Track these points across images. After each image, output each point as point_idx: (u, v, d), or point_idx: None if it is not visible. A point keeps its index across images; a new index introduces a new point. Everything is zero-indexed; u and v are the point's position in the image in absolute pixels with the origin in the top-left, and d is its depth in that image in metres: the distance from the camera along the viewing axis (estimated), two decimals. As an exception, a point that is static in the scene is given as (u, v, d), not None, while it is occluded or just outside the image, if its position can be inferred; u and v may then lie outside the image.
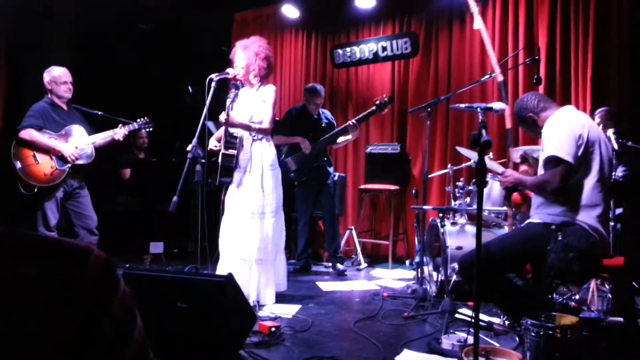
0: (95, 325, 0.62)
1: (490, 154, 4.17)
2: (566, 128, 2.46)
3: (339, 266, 4.87)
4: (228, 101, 3.56)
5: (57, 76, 3.99)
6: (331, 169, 5.02)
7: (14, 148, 3.86)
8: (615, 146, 3.06)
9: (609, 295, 3.03)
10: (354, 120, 4.66)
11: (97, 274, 0.64)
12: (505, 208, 3.60)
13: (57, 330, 0.60)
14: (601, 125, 3.45)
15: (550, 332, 2.06)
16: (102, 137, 4.09)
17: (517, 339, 2.66)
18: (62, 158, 3.89)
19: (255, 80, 3.68)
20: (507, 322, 2.90)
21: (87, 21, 5.72)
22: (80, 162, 3.96)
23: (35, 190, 3.83)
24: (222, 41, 6.49)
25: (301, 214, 4.99)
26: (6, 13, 5.18)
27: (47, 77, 4.00)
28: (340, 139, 4.80)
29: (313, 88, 4.93)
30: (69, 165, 3.91)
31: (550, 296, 2.65)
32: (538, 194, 2.59)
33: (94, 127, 4.19)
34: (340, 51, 6.20)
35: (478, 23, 3.35)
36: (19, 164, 3.83)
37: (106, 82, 5.68)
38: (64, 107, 4.07)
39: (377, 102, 4.58)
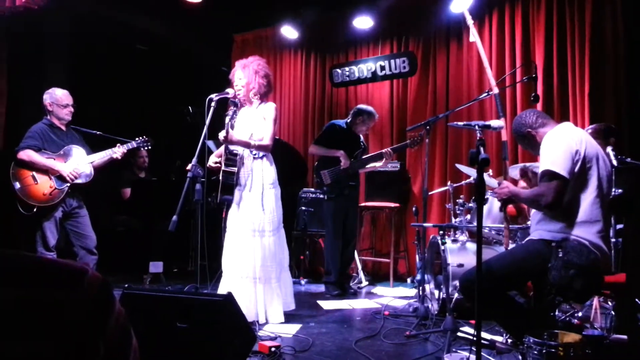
0: (90, 346, 0.61)
1: (490, 170, 4.18)
2: (563, 143, 2.46)
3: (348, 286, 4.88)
4: (227, 119, 3.58)
5: (60, 98, 4.02)
6: (358, 191, 4.98)
7: (12, 169, 3.87)
8: (615, 163, 3.07)
9: (612, 313, 3.00)
10: (390, 149, 4.69)
11: (92, 295, 0.64)
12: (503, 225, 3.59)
13: (52, 351, 0.59)
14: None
15: (553, 350, 2.04)
16: (100, 157, 4.10)
17: (520, 357, 2.62)
18: (60, 177, 3.90)
19: (255, 99, 3.71)
20: (509, 341, 2.87)
21: (86, 42, 5.79)
22: (79, 181, 3.97)
23: (35, 210, 3.83)
24: (222, 62, 6.55)
25: (332, 232, 4.75)
26: (6, 35, 5.25)
27: (48, 98, 4.03)
28: (370, 165, 4.79)
29: (372, 112, 4.88)
30: (68, 184, 3.92)
31: (552, 314, 2.63)
32: (532, 207, 2.59)
33: (92, 147, 4.20)
34: (339, 71, 6.26)
35: (473, 36, 3.38)
36: (17, 185, 3.84)
37: (106, 103, 5.72)
38: (63, 128, 4.09)
39: (412, 138, 4.59)
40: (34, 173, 3.86)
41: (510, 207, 2.90)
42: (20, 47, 5.38)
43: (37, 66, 5.48)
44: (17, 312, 0.59)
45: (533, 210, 2.67)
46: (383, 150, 4.70)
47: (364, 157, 4.77)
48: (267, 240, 3.54)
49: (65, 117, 4.04)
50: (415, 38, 5.80)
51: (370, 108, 4.94)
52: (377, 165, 4.80)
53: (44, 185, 3.87)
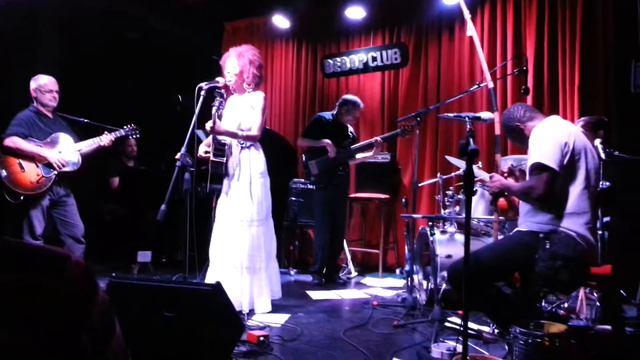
0: (72, 333, 0.60)
1: (480, 163, 4.19)
2: (552, 136, 2.48)
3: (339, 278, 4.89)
4: (213, 109, 3.54)
5: (43, 84, 3.97)
6: (348, 181, 4.95)
7: (-1, 156, 3.82)
8: (603, 156, 3.09)
9: (598, 304, 3.04)
10: (379, 138, 4.65)
11: (75, 282, 0.63)
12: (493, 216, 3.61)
13: (32, 339, 0.58)
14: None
15: (539, 340, 2.06)
16: (88, 145, 4.06)
17: (506, 347, 2.65)
18: (48, 165, 3.85)
19: (247, 88, 3.67)
20: (496, 331, 2.90)
21: (74, 30, 5.70)
22: (67, 169, 3.92)
23: (22, 198, 3.79)
24: (213, 50, 6.49)
25: (321, 222, 4.76)
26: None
27: (33, 85, 3.98)
28: (359, 155, 4.77)
29: (356, 101, 4.86)
30: (55, 172, 3.87)
31: (539, 304, 2.66)
32: (523, 200, 2.61)
33: (80, 135, 4.15)
34: (330, 61, 6.23)
35: (471, 30, 3.37)
36: (4, 172, 3.78)
37: (96, 91, 5.65)
38: (50, 115, 4.03)
39: (403, 127, 4.49)
40: (21, 161, 3.81)
41: (501, 200, 2.92)
42: (10, 35, 5.28)
43: (26, 54, 5.39)
44: (-4, 298, 0.58)
45: (521, 202, 2.69)
46: (372, 139, 4.69)
47: (352, 146, 4.75)
48: (255, 230, 3.53)
49: (49, 103, 3.98)
50: (407, 29, 5.78)
51: (354, 98, 4.92)
52: (368, 155, 4.78)
53: (31, 173, 3.82)
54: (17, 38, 5.35)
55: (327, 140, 4.63)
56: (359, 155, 4.80)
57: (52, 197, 3.93)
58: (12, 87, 5.22)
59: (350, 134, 4.91)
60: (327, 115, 4.95)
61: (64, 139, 4.00)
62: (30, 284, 0.60)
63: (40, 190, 3.84)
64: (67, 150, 3.96)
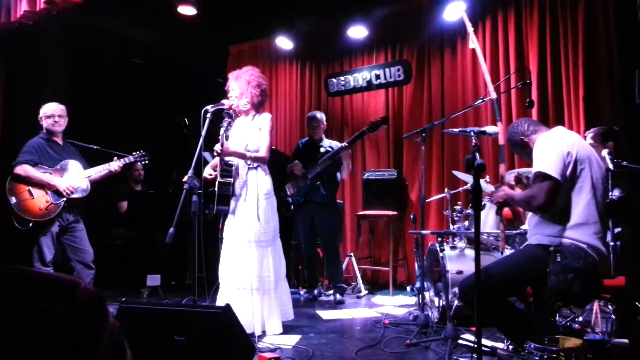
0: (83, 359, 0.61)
1: (487, 177, 4.17)
2: (554, 146, 2.48)
3: (338, 296, 4.83)
4: (222, 130, 3.57)
5: (48, 110, 4.04)
6: (328, 194, 4.88)
7: (8, 183, 3.86)
8: (610, 166, 3.07)
9: (613, 317, 2.99)
10: (345, 143, 4.73)
11: (85, 308, 0.63)
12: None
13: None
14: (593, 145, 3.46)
15: (554, 355, 2.03)
16: (98, 171, 4.09)
17: (522, 363, 2.61)
18: (57, 192, 3.88)
19: (247, 107, 3.70)
20: (510, 347, 2.85)
21: (83, 56, 5.80)
22: (75, 195, 3.95)
23: (30, 225, 3.82)
24: (218, 73, 6.57)
25: (301, 238, 5.02)
26: (3, 50, 5.26)
27: (40, 112, 4.05)
28: (326, 163, 4.76)
29: (310, 115, 5.11)
30: (64, 199, 3.90)
31: (552, 319, 2.62)
32: (525, 209, 2.60)
33: (90, 161, 4.19)
34: (334, 80, 6.28)
35: (473, 42, 3.40)
36: (13, 199, 3.82)
37: (103, 116, 5.73)
38: (60, 141, 4.08)
39: (370, 122, 4.66)
40: (30, 188, 3.85)
41: (506, 210, 2.91)
42: (17, 62, 5.39)
43: (34, 81, 5.49)
44: (8, 326, 0.58)
45: (530, 214, 2.67)
46: (340, 145, 4.74)
47: (321, 158, 4.77)
48: (264, 251, 3.52)
49: (51, 129, 4.02)
50: (409, 46, 5.83)
51: (311, 113, 5.17)
52: (345, 164, 4.83)
53: (40, 200, 3.85)
54: (24, 64, 5.45)
55: (295, 161, 4.86)
56: (343, 167, 4.89)
57: (61, 223, 3.96)
58: (20, 113, 5.31)
59: (324, 148, 4.91)
60: (304, 140, 5.23)
61: (73, 166, 4.04)
62: (41, 311, 0.60)
63: (49, 217, 3.86)
64: (76, 177, 4.00)
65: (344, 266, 5.43)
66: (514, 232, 3.38)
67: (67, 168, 4.01)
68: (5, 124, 5.30)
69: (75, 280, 0.65)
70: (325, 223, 4.86)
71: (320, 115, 5.07)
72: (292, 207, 4.95)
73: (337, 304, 4.72)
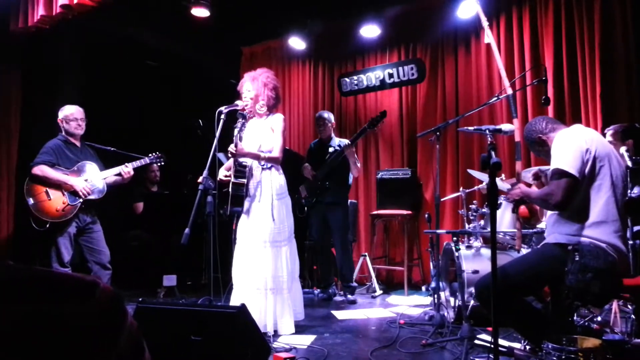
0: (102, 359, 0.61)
1: (503, 175, 4.13)
2: (572, 143, 2.45)
3: (349, 296, 4.82)
4: (235, 131, 3.59)
5: (68, 114, 4.10)
6: (337, 193, 4.88)
7: (26, 185, 3.92)
8: (629, 163, 3.02)
9: (632, 316, 2.94)
10: (347, 141, 4.73)
11: (104, 308, 0.64)
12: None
13: (63, 366, 0.59)
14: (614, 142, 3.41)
15: (573, 355, 2.00)
16: (113, 172, 4.14)
17: (539, 364, 2.58)
18: (74, 193, 3.93)
19: (263, 110, 3.72)
20: (527, 347, 2.82)
21: (98, 59, 5.87)
22: (92, 197, 4.00)
23: (47, 225, 3.87)
24: (231, 74, 6.60)
25: (315, 238, 5.05)
26: (21, 54, 5.34)
27: (60, 115, 4.10)
28: (334, 163, 4.77)
29: (317, 116, 5.14)
30: (81, 200, 3.95)
31: (571, 318, 2.58)
32: (542, 207, 2.57)
33: (106, 163, 4.24)
34: (347, 80, 6.27)
35: (488, 37, 3.36)
36: (31, 200, 3.88)
37: (118, 118, 5.78)
38: (77, 143, 4.14)
39: (370, 119, 4.68)
40: (47, 189, 3.90)
41: (523, 209, 2.87)
42: (34, 65, 5.47)
43: (50, 83, 5.57)
44: (27, 327, 0.59)
45: (548, 212, 2.64)
46: (343, 143, 4.75)
47: (328, 159, 4.78)
48: (279, 251, 3.53)
49: (74, 132, 4.09)
50: (422, 45, 5.80)
51: (318, 113, 5.21)
52: (348, 158, 4.75)
53: (57, 201, 3.90)
54: (40, 68, 5.53)
55: (304, 165, 4.92)
56: (352, 167, 4.84)
57: (78, 224, 4.01)
58: (37, 116, 5.39)
59: (333, 148, 4.90)
60: (315, 140, 5.27)
61: (90, 168, 4.09)
62: (60, 312, 0.61)
63: (66, 218, 3.91)
64: (93, 179, 4.05)
65: (358, 266, 5.42)
66: (531, 231, 3.34)
67: (84, 169, 4.06)
68: (22, 126, 5.38)
69: (95, 281, 0.66)
70: (335, 221, 4.85)
71: (327, 114, 5.06)
72: (305, 208, 4.97)
73: (349, 304, 4.71)
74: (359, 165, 4.90)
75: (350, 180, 5.06)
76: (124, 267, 4.67)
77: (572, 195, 2.37)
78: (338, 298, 4.99)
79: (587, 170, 2.40)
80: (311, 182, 4.87)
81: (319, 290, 5.19)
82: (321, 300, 4.94)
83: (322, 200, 4.85)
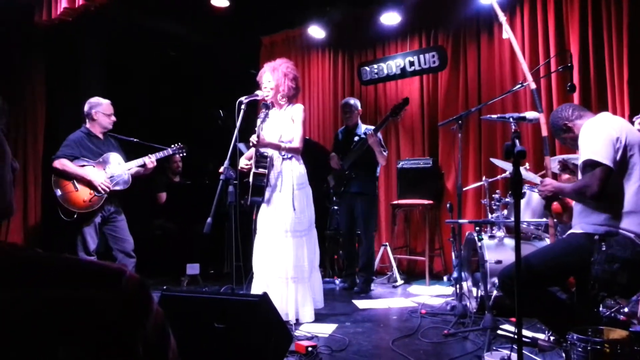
0: (128, 346, 0.62)
1: (527, 164, 4.06)
2: (603, 132, 2.39)
3: (362, 286, 4.77)
4: (258, 122, 3.60)
5: (106, 107, 4.14)
6: (364, 183, 4.82)
7: (54, 176, 4.00)
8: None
9: (661, 308, 2.88)
10: (371, 130, 4.67)
11: (130, 295, 0.65)
12: (545, 219, 3.49)
13: (91, 351, 0.60)
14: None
15: (599, 347, 1.97)
16: (138, 164, 4.19)
17: (564, 355, 2.54)
18: (93, 187, 3.98)
19: (284, 101, 3.72)
20: (552, 338, 2.79)
21: (119, 50, 5.94)
22: (117, 188, 4.07)
23: (75, 216, 3.95)
24: (251, 64, 6.61)
25: (344, 229, 5.05)
26: (44, 46, 5.43)
27: (92, 107, 4.11)
28: (358, 153, 4.73)
29: (344, 102, 5.09)
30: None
31: (596, 309, 2.54)
32: (578, 200, 2.51)
33: (129, 154, 4.30)
34: (367, 68, 6.22)
35: (506, 32, 3.29)
36: (59, 192, 3.96)
37: (140, 108, 5.85)
38: (100, 136, 4.19)
39: (393, 106, 4.66)
40: (75, 181, 3.98)
41: (555, 204, 2.81)
42: (57, 58, 5.56)
43: (73, 75, 5.65)
44: (55, 314, 0.60)
45: (573, 202, 2.59)
46: (367, 131, 4.70)
47: (352, 149, 4.78)
48: (300, 241, 3.55)
49: (108, 126, 4.16)
50: (444, 32, 5.71)
51: (345, 99, 5.14)
52: (374, 147, 4.65)
53: (84, 192, 3.98)
54: (64, 60, 5.62)
55: (331, 154, 4.93)
56: (377, 154, 4.75)
57: (103, 214, 4.08)
58: (62, 108, 5.49)
59: (359, 136, 4.86)
60: (341, 128, 5.22)
61: (115, 159, 4.15)
62: (89, 298, 0.62)
63: (93, 209, 3.99)
64: (117, 170, 4.11)
65: (379, 256, 5.40)
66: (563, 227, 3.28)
67: (108, 161, 4.13)
68: (47, 118, 5.49)
69: (121, 269, 0.67)
70: (360, 210, 4.81)
71: (354, 101, 5.02)
72: (334, 198, 4.97)
73: (359, 293, 4.66)
74: (385, 154, 4.78)
75: (378, 170, 4.99)
76: (148, 256, 4.75)
77: (607, 185, 2.32)
78: (357, 289, 4.97)
79: (617, 158, 2.34)
80: (338, 171, 4.87)
81: (340, 279, 5.20)
82: (342, 290, 4.95)
83: (348, 190, 4.83)
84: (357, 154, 4.72)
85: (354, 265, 5.06)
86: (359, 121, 4.99)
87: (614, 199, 2.35)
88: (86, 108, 4.13)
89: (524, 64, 3.21)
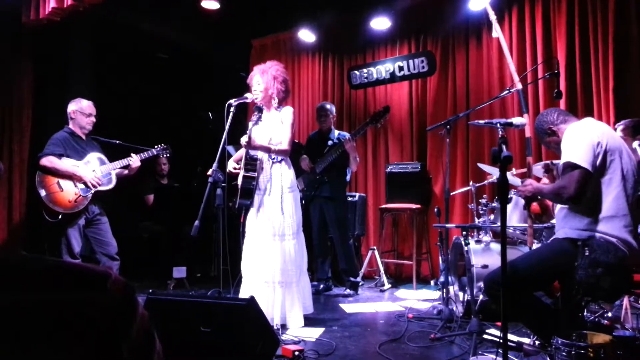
0: (113, 350, 0.62)
1: (513, 169, 4.10)
2: (584, 136, 2.43)
3: (348, 290, 4.79)
4: (250, 124, 3.59)
5: (84, 107, 4.11)
6: (335, 188, 4.84)
7: (38, 176, 3.95)
8: (641, 158, 2.99)
9: (644, 312, 2.92)
10: (348, 134, 4.72)
11: (116, 298, 0.64)
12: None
13: (75, 355, 0.60)
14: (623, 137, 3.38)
15: (583, 351, 1.99)
16: (122, 164, 4.16)
17: (548, 359, 2.57)
18: (84, 184, 3.95)
19: (274, 103, 3.72)
20: (537, 342, 2.81)
21: (108, 53, 5.90)
22: (102, 188, 4.03)
23: (60, 217, 3.90)
24: (241, 67, 6.60)
25: (315, 232, 4.95)
26: (31, 47, 5.38)
27: (73, 107, 4.10)
28: (333, 156, 4.74)
29: (319, 106, 5.12)
30: (92, 191, 3.98)
31: (581, 314, 2.57)
32: (555, 201, 2.55)
33: (112, 156, 4.26)
34: (357, 72, 6.24)
35: (496, 31, 3.33)
36: (43, 192, 3.91)
37: (128, 111, 5.81)
38: (83, 137, 4.15)
39: (373, 113, 4.66)
40: (59, 180, 3.93)
41: (534, 205, 2.85)
42: (45, 58, 5.51)
43: (61, 76, 5.60)
44: (40, 317, 0.59)
45: (557, 207, 2.62)
46: (343, 137, 4.75)
47: (326, 152, 4.77)
48: (288, 245, 3.54)
49: (86, 126, 4.12)
50: (433, 37, 5.75)
51: (320, 103, 5.18)
52: (349, 153, 4.67)
53: (69, 192, 3.93)
54: (51, 60, 5.56)
55: (302, 156, 4.87)
56: (351, 160, 4.78)
57: (87, 216, 4.04)
58: (49, 109, 5.43)
59: (333, 140, 4.89)
60: (314, 131, 5.24)
61: (98, 159, 4.12)
62: (74, 301, 0.61)
63: (78, 209, 3.95)
64: (101, 170, 4.07)
65: (366, 260, 5.41)
66: (542, 225, 3.32)
67: (91, 161, 4.09)
68: (34, 119, 5.42)
69: (107, 272, 0.66)
70: (333, 215, 4.82)
71: (330, 106, 5.05)
72: (303, 201, 4.93)
73: (344, 297, 4.67)
74: (358, 160, 4.88)
75: (349, 175, 5.05)
76: (134, 259, 4.70)
77: (585, 188, 2.36)
78: (334, 292, 4.95)
79: (597, 163, 2.38)
80: (309, 174, 4.85)
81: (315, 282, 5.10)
82: (323, 292, 4.89)
83: (319, 194, 4.83)
84: (331, 158, 4.73)
85: (326, 269, 5.02)
86: (333, 126, 5.02)
87: (596, 204, 2.38)
88: (68, 108, 4.11)
89: (511, 64, 3.25)
